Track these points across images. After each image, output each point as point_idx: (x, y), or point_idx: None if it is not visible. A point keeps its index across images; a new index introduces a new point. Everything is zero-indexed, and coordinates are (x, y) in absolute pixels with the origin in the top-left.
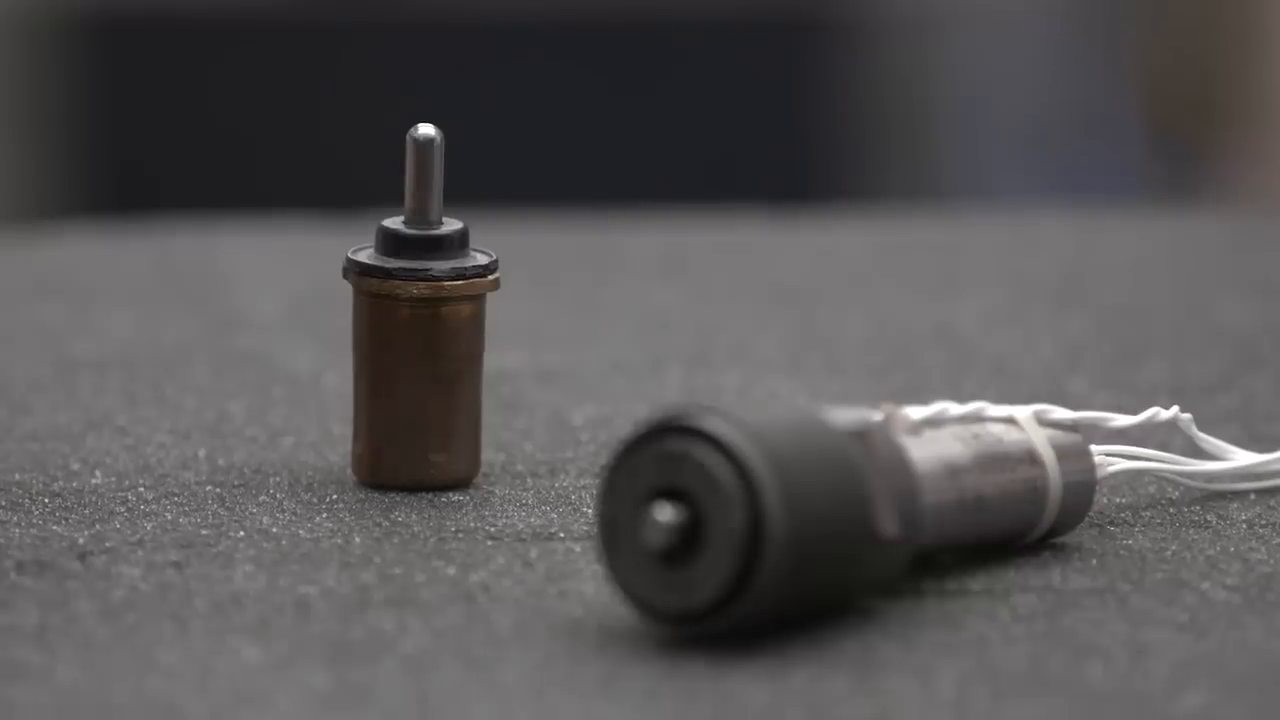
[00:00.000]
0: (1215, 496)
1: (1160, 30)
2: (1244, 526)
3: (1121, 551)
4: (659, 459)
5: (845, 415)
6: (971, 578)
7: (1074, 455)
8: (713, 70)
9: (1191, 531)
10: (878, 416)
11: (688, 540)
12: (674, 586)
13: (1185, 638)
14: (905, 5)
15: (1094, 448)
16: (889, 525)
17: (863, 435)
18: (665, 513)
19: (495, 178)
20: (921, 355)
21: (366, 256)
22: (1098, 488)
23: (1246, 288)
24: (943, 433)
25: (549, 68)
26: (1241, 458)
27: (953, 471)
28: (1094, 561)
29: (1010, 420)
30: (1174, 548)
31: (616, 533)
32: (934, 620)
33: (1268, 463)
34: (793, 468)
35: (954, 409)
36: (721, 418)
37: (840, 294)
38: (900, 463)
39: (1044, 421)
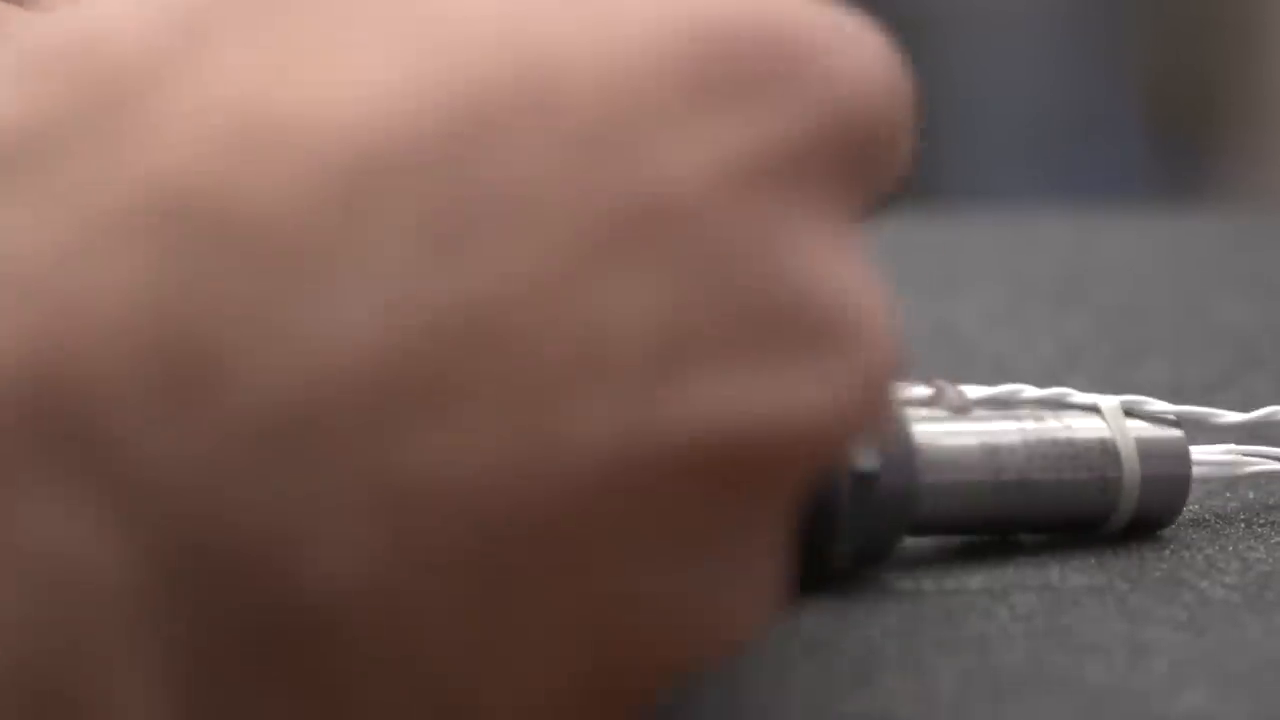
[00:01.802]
0: (1212, 494)
1: (1160, 29)
2: (1242, 525)
3: (1120, 550)
4: None
5: None
6: (971, 576)
7: (1163, 449)
8: None
9: (1190, 530)
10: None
11: None
12: None
13: (1184, 636)
14: (905, 5)
15: (1225, 447)
16: (868, 460)
17: None
18: None
19: None
20: (921, 355)
21: None
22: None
23: (1247, 287)
24: (996, 414)
25: None
26: None
27: (991, 450)
28: (1093, 560)
29: (1094, 409)
30: (1172, 546)
31: None
32: (934, 618)
33: None
34: None
35: (1029, 391)
36: None
37: None
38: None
39: (1136, 413)
